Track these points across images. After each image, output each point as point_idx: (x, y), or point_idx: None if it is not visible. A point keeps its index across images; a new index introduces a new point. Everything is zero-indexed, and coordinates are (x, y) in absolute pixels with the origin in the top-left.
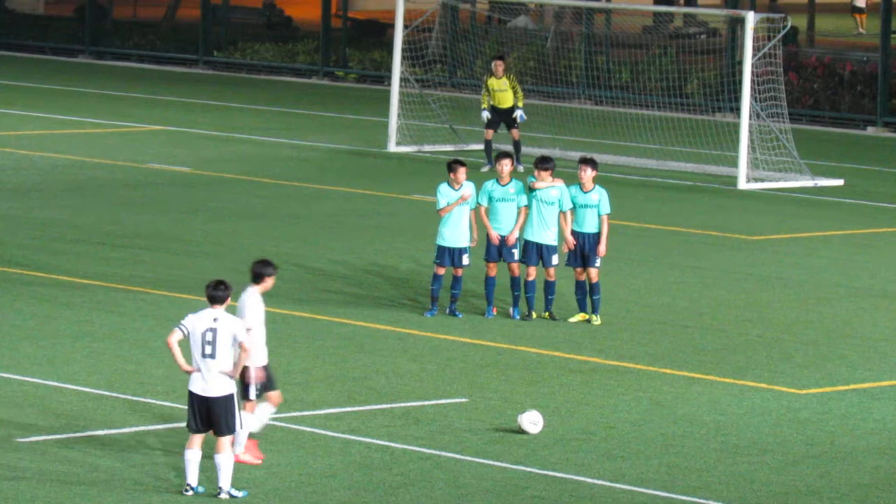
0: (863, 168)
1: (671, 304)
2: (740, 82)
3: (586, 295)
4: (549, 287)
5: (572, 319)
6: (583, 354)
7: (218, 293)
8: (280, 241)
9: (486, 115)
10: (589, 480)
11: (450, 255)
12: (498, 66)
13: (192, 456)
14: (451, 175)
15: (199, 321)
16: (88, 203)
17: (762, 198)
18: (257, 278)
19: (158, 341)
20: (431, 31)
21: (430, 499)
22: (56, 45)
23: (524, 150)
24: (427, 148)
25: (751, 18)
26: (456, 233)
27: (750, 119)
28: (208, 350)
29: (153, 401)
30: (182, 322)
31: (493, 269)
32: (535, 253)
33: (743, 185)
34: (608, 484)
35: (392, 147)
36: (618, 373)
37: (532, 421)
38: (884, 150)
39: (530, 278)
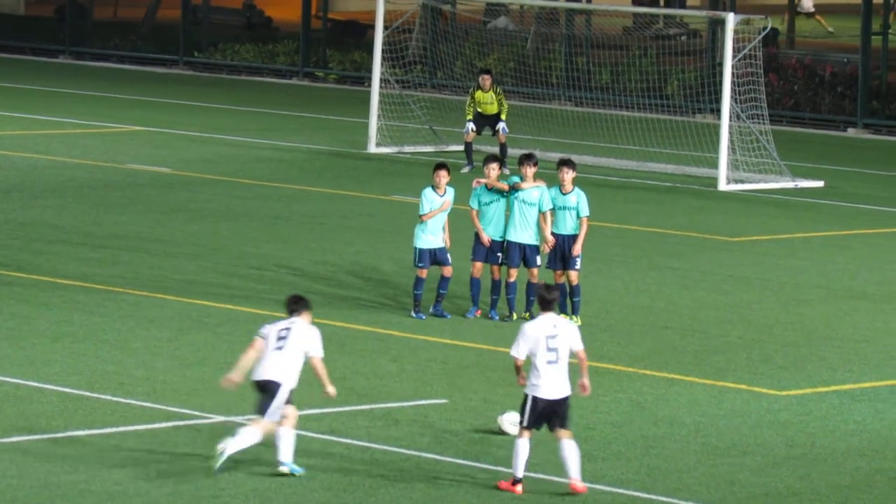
0: (843, 169)
1: (651, 306)
2: (720, 83)
3: (566, 297)
4: (531, 288)
5: None
6: None
7: (296, 306)
8: (260, 241)
9: (470, 126)
10: (569, 481)
11: (431, 255)
12: (485, 79)
13: (250, 430)
14: (435, 179)
15: (277, 324)
16: (68, 204)
17: (742, 199)
18: (548, 305)
19: (138, 342)
20: (412, 32)
21: (410, 500)
22: (36, 45)
23: (509, 151)
24: (407, 149)
25: (731, 20)
26: (435, 236)
27: (730, 120)
28: (280, 343)
29: (134, 401)
30: (259, 330)
31: (479, 270)
32: (518, 254)
33: (723, 186)
34: (588, 485)
35: (372, 148)
36: (597, 374)
37: (512, 422)
38: (864, 152)
39: (511, 279)
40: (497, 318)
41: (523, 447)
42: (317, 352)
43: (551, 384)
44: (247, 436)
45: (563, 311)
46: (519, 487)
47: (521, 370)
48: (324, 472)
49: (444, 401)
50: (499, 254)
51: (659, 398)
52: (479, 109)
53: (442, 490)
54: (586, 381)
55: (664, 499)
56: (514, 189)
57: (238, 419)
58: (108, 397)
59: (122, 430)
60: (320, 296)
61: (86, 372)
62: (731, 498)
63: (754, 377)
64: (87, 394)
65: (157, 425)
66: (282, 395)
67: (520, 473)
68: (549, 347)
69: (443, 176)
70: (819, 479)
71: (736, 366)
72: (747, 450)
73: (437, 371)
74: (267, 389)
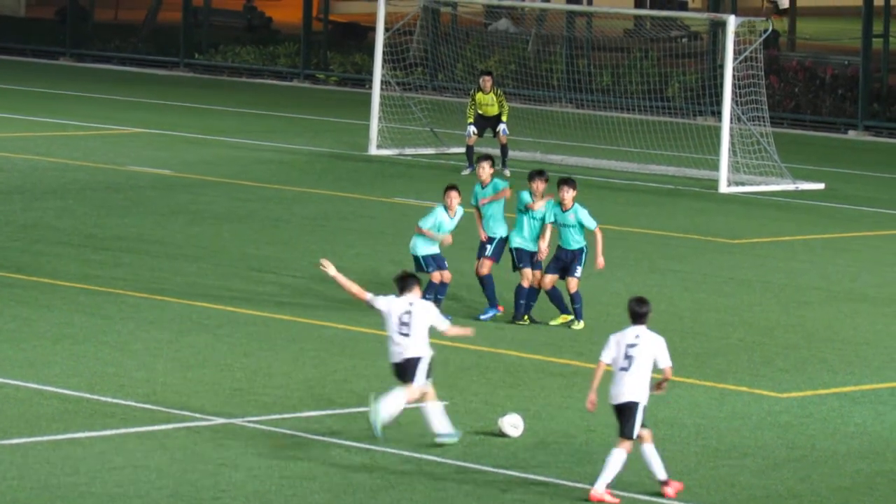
0: (844, 172)
1: (652, 308)
2: (721, 86)
3: (561, 298)
4: (533, 293)
5: (553, 322)
6: (563, 357)
7: (405, 283)
8: (261, 244)
9: (472, 129)
10: (570, 484)
11: (434, 261)
12: (486, 81)
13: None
14: (446, 200)
15: (396, 305)
16: (69, 206)
17: (743, 201)
18: (638, 318)
19: (139, 344)
20: (412, 34)
21: (411, 502)
22: (37, 47)
23: (510, 153)
24: (408, 151)
25: (732, 22)
26: (433, 244)
27: (731, 122)
28: (405, 330)
29: (134, 403)
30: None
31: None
32: (529, 259)
33: (724, 188)
34: (589, 487)
35: (373, 150)
36: None
37: (512, 424)
38: (865, 154)
39: (526, 283)
40: (488, 316)
41: (649, 452)
42: (444, 325)
43: (617, 389)
44: (396, 400)
45: (563, 311)
46: (668, 489)
47: (595, 385)
48: (324, 475)
49: (444, 403)
50: (487, 245)
51: (659, 400)
52: (480, 111)
53: (443, 492)
54: (665, 385)
55: (665, 501)
56: (526, 209)
57: (238, 421)
58: (109, 399)
59: (122, 432)
60: (321, 298)
61: (86, 374)
62: (732, 500)
63: (755, 379)
64: (88, 395)
65: (157, 427)
66: (422, 368)
67: (662, 476)
68: (627, 355)
69: (454, 197)
70: (819, 481)
71: (737, 368)
72: (748, 452)
73: (437, 373)
74: (408, 371)
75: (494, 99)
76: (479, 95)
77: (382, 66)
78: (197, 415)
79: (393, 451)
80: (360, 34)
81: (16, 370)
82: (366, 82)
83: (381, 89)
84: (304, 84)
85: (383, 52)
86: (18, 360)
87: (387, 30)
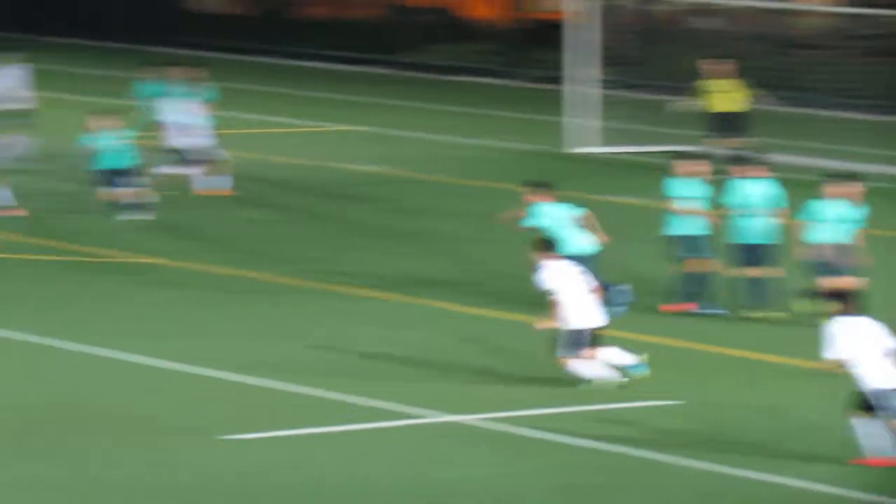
0: None
1: None
2: None
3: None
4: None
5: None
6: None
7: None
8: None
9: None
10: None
11: None
12: (717, 67)
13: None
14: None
15: (563, 269)
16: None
17: None
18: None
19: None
20: (619, 31)
21: None
22: (237, 44)
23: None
24: (630, 149)
25: None
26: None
27: None
28: (587, 287)
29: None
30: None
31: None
32: None
33: None
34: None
35: (572, 148)
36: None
37: None
38: None
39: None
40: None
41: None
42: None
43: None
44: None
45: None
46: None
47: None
48: (548, 473)
49: (679, 402)
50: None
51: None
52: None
53: (662, 492)
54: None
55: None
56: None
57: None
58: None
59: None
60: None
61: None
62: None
63: None
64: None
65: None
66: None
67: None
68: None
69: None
70: None
71: None
72: None
73: (671, 372)
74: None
75: (735, 87)
76: (711, 83)
77: (585, 64)
78: (424, 411)
79: (620, 449)
80: (560, 32)
81: (267, 370)
82: (563, 80)
83: (587, 87)
84: (506, 81)
85: (585, 50)
86: (269, 362)
87: (587, 27)
